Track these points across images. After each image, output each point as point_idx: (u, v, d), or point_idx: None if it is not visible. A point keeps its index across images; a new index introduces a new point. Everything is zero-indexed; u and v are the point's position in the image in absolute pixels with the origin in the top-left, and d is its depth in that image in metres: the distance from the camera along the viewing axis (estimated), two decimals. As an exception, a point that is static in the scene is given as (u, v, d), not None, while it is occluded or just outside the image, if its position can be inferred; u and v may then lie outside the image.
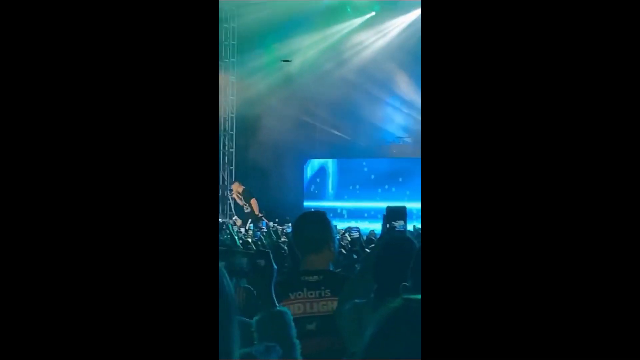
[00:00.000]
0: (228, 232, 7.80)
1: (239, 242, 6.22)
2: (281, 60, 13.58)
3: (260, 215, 12.32)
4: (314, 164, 14.86)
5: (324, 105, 14.07)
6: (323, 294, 2.67)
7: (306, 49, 14.01)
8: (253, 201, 12.56)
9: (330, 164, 14.74)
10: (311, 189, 14.72)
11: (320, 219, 2.88)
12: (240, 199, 13.01)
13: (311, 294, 2.66)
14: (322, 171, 14.79)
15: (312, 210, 9.80)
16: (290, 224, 10.97)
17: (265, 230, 10.17)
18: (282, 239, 7.22)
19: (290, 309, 2.41)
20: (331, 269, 2.80)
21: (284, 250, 3.92)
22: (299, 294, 2.66)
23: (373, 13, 14.12)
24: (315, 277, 2.68)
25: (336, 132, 14.37)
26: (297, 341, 2.05)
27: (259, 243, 6.60)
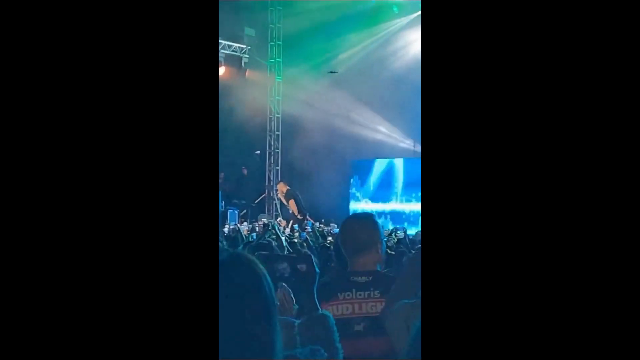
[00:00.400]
0: (274, 232, 7.79)
1: (285, 242, 6.21)
2: (328, 72, 13.59)
3: (300, 216, 12.28)
4: (361, 164, 14.74)
5: (371, 105, 13.95)
6: (372, 295, 2.69)
7: (352, 48, 13.92)
8: (291, 202, 12.49)
9: (382, 164, 14.57)
10: (358, 190, 14.58)
11: (368, 220, 2.89)
12: (284, 198, 12.96)
13: (360, 295, 2.69)
14: (371, 171, 14.65)
15: (360, 212, 9.74)
16: (335, 225, 11.18)
17: (311, 230, 10.15)
18: (329, 240, 7.20)
19: (338, 310, 2.42)
20: (379, 269, 2.82)
21: (331, 251, 3.92)
22: (348, 295, 2.69)
23: (419, 12, 13.95)
24: (364, 278, 2.71)
25: (384, 131, 14.25)
26: (339, 345, 2.06)
27: (304, 244, 6.60)
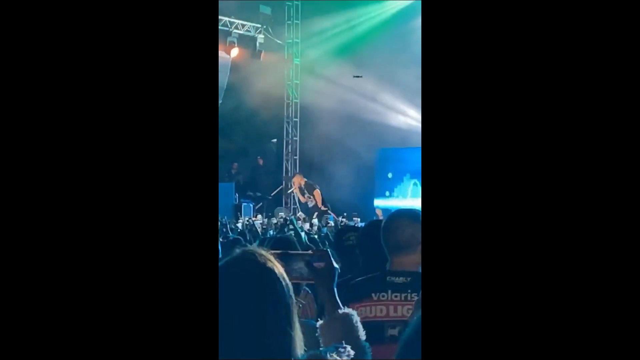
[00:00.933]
0: (292, 227, 7.82)
1: (304, 238, 6.25)
2: (353, 77, 13.21)
3: (325, 208, 11.92)
4: (388, 154, 13.92)
5: (397, 87, 13.23)
6: (409, 297, 2.67)
7: (373, 24, 13.45)
8: (316, 192, 12.08)
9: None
10: (383, 183, 13.82)
11: (413, 217, 2.85)
12: (303, 193, 12.49)
13: (396, 297, 2.69)
14: (394, 162, 13.89)
15: (406, 208, 9.19)
16: (359, 219, 10.88)
17: (333, 225, 9.97)
18: (350, 236, 6.90)
19: (372, 311, 2.60)
20: (420, 271, 2.76)
21: (356, 248, 3.87)
22: (383, 296, 2.70)
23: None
24: (402, 279, 2.69)
25: (414, 115, 13.45)
26: (366, 344, 2.10)
27: (326, 242, 6.45)
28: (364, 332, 2.13)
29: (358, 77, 13.17)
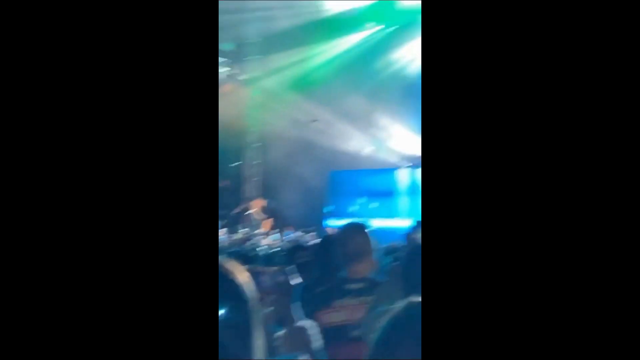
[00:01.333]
0: (251, 244, 7.87)
1: (264, 253, 6.20)
2: (311, 121, 13.79)
3: (277, 229, 12.44)
4: (340, 176, 14.65)
5: (345, 117, 14.05)
6: (367, 301, 2.74)
7: (326, 59, 14.17)
8: (266, 222, 12.69)
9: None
10: (337, 201, 14.47)
11: (360, 229, 2.98)
12: (260, 214, 13.12)
13: (354, 302, 2.74)
14: (346, 183, 14.61)
15: (352, 221, 9.53)
16: (315, 233, 11.28)
17: (291, 241, 10.20)
18: (307, 252, 7.17)
19: (334, 317, 2.50)
20: (373, 277, 2.90)
21: (312, 260, 4.04)
22: (342, 302, 2.75)
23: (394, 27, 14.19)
24: (359, 285, 2.78)
25: (360, 142, 14.34)
26: (323, 352, 2.08)
27: (283, 255, 6.63)
28: (320, 341, 2.17)
29: (314, 121, 13.89)
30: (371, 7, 13.93)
